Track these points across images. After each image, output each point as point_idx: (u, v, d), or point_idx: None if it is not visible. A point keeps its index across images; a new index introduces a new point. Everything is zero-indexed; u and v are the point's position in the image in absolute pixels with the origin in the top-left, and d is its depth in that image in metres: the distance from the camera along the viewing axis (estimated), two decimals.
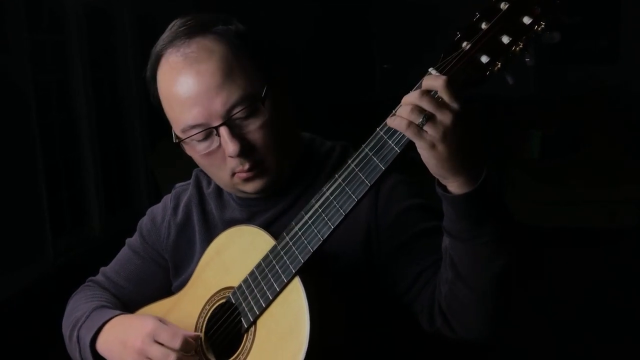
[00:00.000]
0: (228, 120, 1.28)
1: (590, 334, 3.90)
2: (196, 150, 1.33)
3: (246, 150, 1.29)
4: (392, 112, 1.10)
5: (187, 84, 1.28)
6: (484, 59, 1.06)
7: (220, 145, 1.30)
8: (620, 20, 7.96)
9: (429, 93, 1.05)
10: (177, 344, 1.26)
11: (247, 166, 1.31)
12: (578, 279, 4.72)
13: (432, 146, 1.04)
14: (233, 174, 1.33)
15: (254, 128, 1.29)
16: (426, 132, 1.04)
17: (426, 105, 1.03)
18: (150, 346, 1.29)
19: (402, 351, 1.39)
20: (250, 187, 1.35)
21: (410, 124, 1.04)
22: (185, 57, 1.29)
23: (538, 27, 1.04)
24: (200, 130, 1.29)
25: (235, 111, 1.27)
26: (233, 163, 1.31)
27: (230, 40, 1.31)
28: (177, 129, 1.34)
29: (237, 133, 1.28)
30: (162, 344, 1.28)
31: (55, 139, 5.84)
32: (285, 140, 1.36)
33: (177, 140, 1.35)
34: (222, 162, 1.32)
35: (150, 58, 1.36)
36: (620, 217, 5.70)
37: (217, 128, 1.28)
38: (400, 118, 1.06)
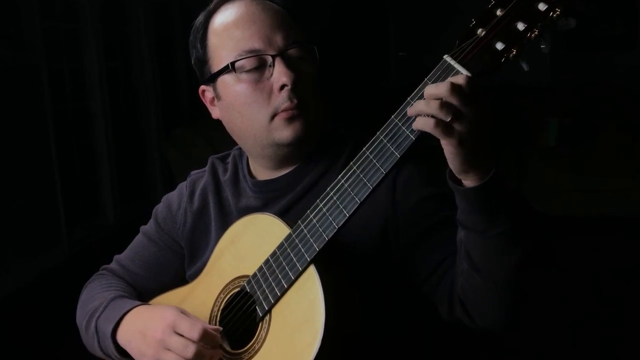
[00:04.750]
0: (285, 53, 1.33)
1: (606, 324, 3.89)
2: (242, 81, 1.35)
3: (299, 84, 1.32)
4: (406, 99, 1.09)
5: (252, 12, 1.36)
6: (499, 45, 1.05)
7: (270, 78, 1.33)
8: (637, 6, 7.88)
9: (459, 88, 1.02)
10: (196, 335, 1.26)
11: (295, 102, 1.32)
12: (597, 268, 4.71)
13: (461, 142, 1.04)
14: (273, 116, 1.34)
15: (304, 70, 1.35)
16: (454, 129, 1.03)
17: (455, 100, 1.02)
18: (170, 337, 1.28)
19: (417, 340, 1.39)
20: (290, 130, 1.34)
21: (439, 122, 1.02)
22: (250, 0, 1.38)
23: (554, 13, 1.03)
24: (256, 54, 1.33)
25: (292, 47, 1.34)
26: (280, 99, 1.33)
27: (283, 6, 1.40)
28: (225, 61, 1.36)
29: (291, 67, 1.33)
30: (182, 335, 1.28)
31: (69, 128, 5.87)
32: (319, 104, 1.39)
33: (230, 64, 1.35)
34: (266, 99, 1.34)
35: (202, 14, 1.43)
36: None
37: (273, 58, 1.32)
38: (426, 119, 1.04)
